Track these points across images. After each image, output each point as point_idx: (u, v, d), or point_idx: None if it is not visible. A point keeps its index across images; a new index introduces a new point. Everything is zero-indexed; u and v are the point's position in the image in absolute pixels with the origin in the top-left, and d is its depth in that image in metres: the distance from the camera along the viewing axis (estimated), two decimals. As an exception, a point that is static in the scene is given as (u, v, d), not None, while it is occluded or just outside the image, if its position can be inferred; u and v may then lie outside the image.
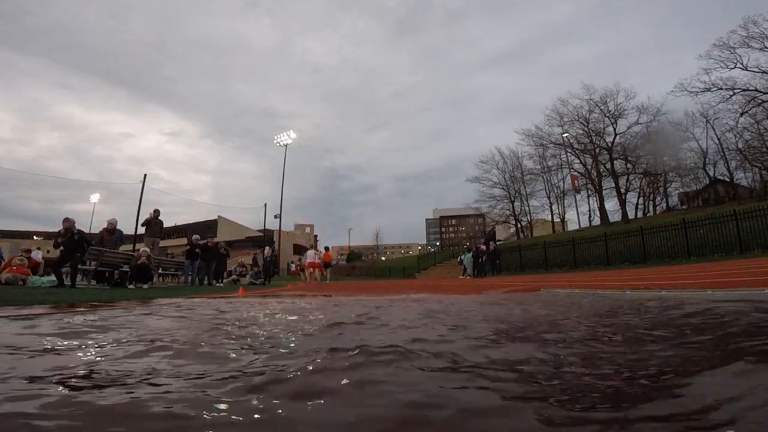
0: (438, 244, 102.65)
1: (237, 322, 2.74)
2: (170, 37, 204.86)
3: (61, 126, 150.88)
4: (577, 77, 76.05)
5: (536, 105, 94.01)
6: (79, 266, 10.12)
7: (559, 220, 48.49)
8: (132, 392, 1.12)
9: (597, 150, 41.74)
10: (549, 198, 48.44)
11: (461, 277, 22.85)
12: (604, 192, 41.60)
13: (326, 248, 20.98)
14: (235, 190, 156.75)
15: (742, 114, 32.51)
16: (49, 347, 1.80)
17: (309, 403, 1.00)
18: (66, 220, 9.90)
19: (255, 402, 1.02)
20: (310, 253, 19.73)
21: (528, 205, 49.41)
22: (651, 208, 42.55)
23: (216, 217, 63.18)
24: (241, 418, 0.92)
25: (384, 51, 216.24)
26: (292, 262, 37.27)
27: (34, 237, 66.48)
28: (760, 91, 31.33)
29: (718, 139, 35.45)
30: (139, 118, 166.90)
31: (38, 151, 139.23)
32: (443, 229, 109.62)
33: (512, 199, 49.61)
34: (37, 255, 17.63)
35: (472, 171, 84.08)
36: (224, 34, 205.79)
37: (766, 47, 30.35)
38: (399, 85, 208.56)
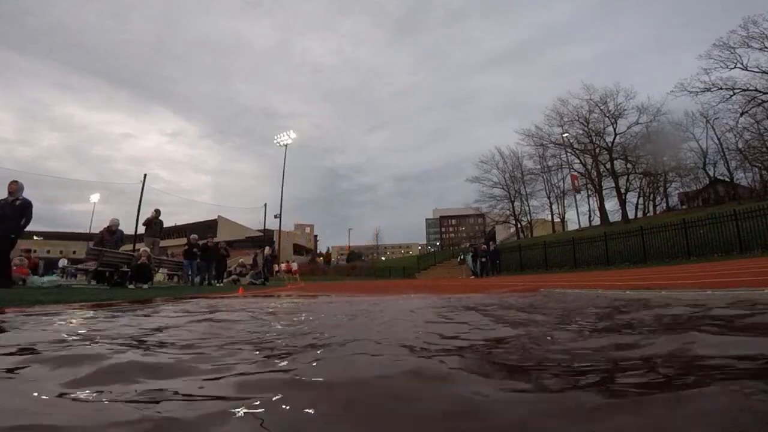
0: (438, 244, 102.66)
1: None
2: (170, 38, 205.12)
3: (61, 126, 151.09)
4: (577, 77, 76.24)
5: (536, 105, 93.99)
6: (79, 267, 10.03)
7: (559, 220, 48.50)
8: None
9: (597, 150, 41.76)
10: (549, 198, 48.46)
11: (471, 277, 22.85)
12: (604, 192, 41.63)
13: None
14: (235, 190, 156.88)
15: (742, 114, 32.54)
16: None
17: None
18: (13, 182, 7.83)
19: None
20: (294, 264, 28.30)
21: (528, 205, 49.43)
22: (651, 208, 42.57)
23: (216, 217, 63.20)
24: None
25: (384, 51, 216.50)
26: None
27: (35, 237, 66.45)
28: (760, 91, 31.35)
29: (718, 139, 35.49)
30: (139, 119, 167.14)
31: (39, 151, 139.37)
32: (443, 229, 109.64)
33: (512, 199, 49.62)
34: (63, 263, 17.58)
35: (472, 171, 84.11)
36: (224, 35, 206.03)
37: (766, 47, 30.36)
38: (399, 85, 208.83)
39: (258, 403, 0.93)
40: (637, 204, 42.49)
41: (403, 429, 0.81)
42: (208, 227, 56.16)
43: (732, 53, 31.64)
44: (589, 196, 44.46)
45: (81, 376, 1.19)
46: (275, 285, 16.68)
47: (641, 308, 2.71)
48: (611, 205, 41.55)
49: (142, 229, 14.61)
